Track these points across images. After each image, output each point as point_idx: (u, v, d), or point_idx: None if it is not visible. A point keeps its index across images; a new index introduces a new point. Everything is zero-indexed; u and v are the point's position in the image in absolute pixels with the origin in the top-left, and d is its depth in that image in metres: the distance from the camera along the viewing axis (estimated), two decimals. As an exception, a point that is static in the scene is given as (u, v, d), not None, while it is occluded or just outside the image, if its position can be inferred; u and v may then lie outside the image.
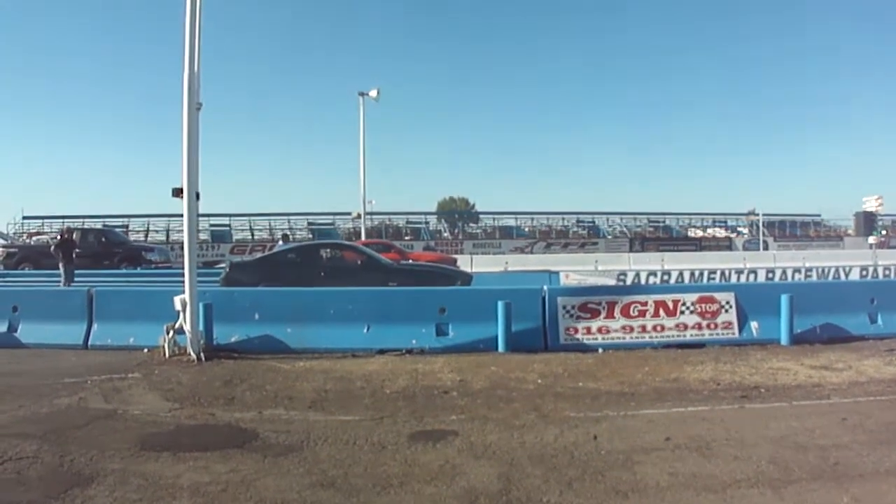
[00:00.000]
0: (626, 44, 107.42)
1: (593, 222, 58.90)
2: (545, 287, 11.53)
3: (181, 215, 10.38)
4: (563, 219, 58.89)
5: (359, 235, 42.15)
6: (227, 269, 16.51)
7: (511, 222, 57.74)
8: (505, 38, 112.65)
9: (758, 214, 54.98)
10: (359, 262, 16.56)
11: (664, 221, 60.56)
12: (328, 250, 17.95)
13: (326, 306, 11.06)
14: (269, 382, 8.72)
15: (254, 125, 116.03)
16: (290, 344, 10.74)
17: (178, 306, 10.16)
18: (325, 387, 8.47)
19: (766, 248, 49.51)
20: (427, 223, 56.67)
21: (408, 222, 55.85)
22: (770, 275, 24.81)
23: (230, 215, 52.42)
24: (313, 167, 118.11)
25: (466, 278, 17.05)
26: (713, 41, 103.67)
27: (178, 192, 9.82)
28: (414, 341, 10.76)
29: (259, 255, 20.63)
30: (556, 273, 22.21)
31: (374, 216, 53.74)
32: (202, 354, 10.09)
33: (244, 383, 8.68)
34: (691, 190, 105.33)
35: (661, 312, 11.17)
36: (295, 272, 16.03)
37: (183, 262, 10.46)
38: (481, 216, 63.90)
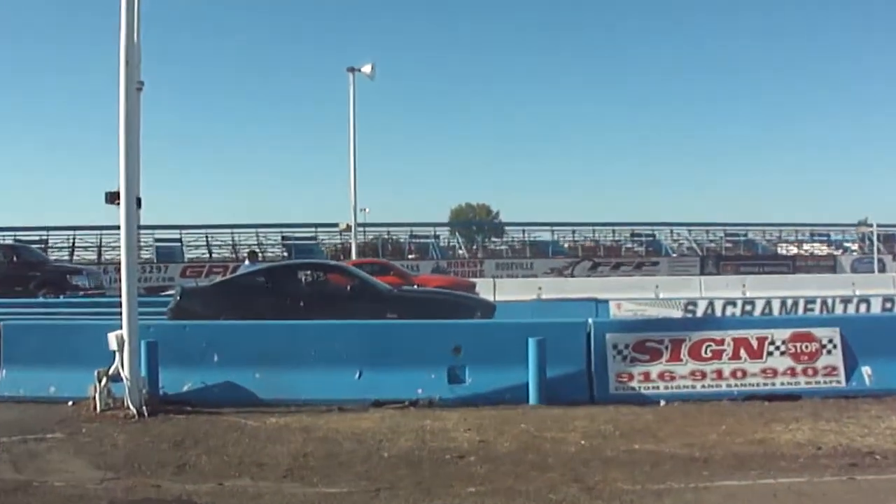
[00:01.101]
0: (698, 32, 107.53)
1: (653, 236, 59.26)
2: (590, 320, 11.64)
3: (117, 227, 10.54)
4: (614, 231, 59.34)
5: (348, 254, 42.08)
6: (178, 297, 16.91)
7: (546, 236, 58.21)
8: (542, 21, 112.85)
9: (871, 225, 54.62)
10: (348, 288, 17.06)
11: (746, 235, 60.40)
12: (308, 273, 18.43)
13: (306, 345, 11.28)
14: (231, 444, 8.82)
15: (213, 117, 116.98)
16: (260, 394, 10.90)
17: (113, 345, 10.31)
18: (304, 450, 8.59)
19: (882, 268, 49.05)
20: (437, 237, 57.22)
21: (412, 236, 56.28)
22: (888, 304, 24.62)
23: (181, 227, 53.12)
24: (291, 170, 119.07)
25: (488, 309, 17.49)
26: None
27: (113, 198, 9.94)
28: (420, 390, 10.92)
29: (219, 278, 20.98)
30: (605, 302, 22.45)
31: (368, 228, 53.51)
32: (145, 408, 10.21)
33: (200, 445, 8.77)
34: (782, 194, 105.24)
35: (743, 353, 11.24)
36: (265, 301, 16.50)
37: (119, 288, 10.62)
38: (507, 228, 64.24)
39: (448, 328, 12.07)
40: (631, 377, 11.10)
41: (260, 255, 34.90)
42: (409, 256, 51.87)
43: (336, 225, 46.05)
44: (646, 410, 10.40)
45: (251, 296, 16.84)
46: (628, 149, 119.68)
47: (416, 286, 22.71)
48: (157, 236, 51.40)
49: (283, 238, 54.00)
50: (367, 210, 67.10)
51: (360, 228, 47.20)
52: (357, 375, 11.13)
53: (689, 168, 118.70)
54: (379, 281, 18.45)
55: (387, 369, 11.08)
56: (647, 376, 11.12)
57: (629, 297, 24.64)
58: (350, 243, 41.63)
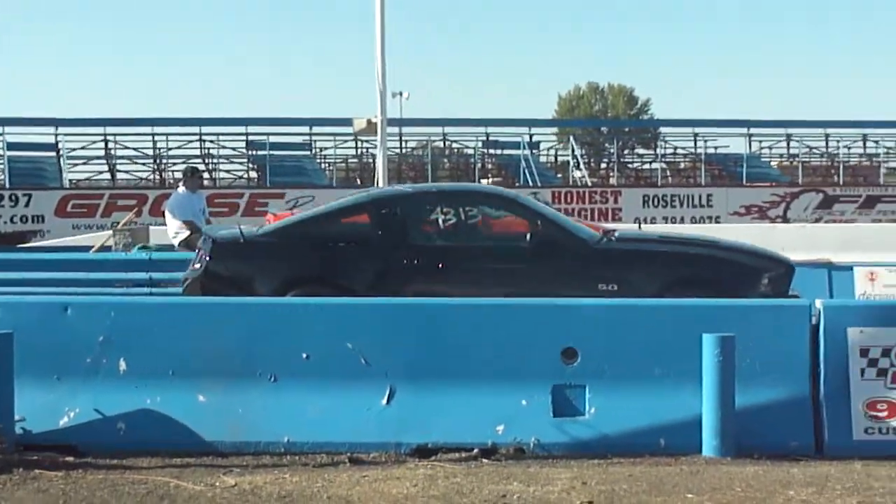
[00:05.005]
0: None
1: None
2: (819, 302, 10.52)
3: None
4: (865, 139, 52.79)
5: (370, 176, 37.55)
6: (208, 258, 15.18)
7: (736, 146, 52.55)
8: None
9: None
10: (528, 238, 15.00)
11: None
12: (453, 209, 16.55)
13: (293, 342, 10.36)
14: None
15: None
16: (206, 432, 10.11)
17: None
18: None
19: None
20: (535, 147, 51.60)
21: (489, 144, 50.94)
22: None
23: (57, 123, 46.93)
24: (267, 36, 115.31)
25: (783, 272, 15.32)
26: None
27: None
28: (501, 427, 10.11)
29: (281, 221, 18.35)
30: (846, 269, 20.36)
31: (409, 130, 49.18)
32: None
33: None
34: None
35: None
36: (373, 263, 15.07)
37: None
38: (664, 132, 58.71)
39: (552, 313, 10.82)
40: (894, 409, 9.95)
41: (205, 174, 30.96)
42: (483, 182, 46.58)
43: (348, 122, 39.51)
44: (926, 475, 9.82)
45: (348, 253, 15.12)
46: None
47: (643, 232, 21.12)
48: (10, 139, 45.37)
49: (249, 145, 48.03)
50: (407, 96, 59.56)
51: (394, 129, 41.38)
52: (385, 399, 10.18)
53: None
54: (577, 223, 16.92)
55: (440, 389, 10.16)
56: (925, 409, 10.60)
57: (893, 260, 21.73)
58: (374, 154, 38.34)
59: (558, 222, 15.52)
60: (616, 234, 16.38)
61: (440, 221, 16.28)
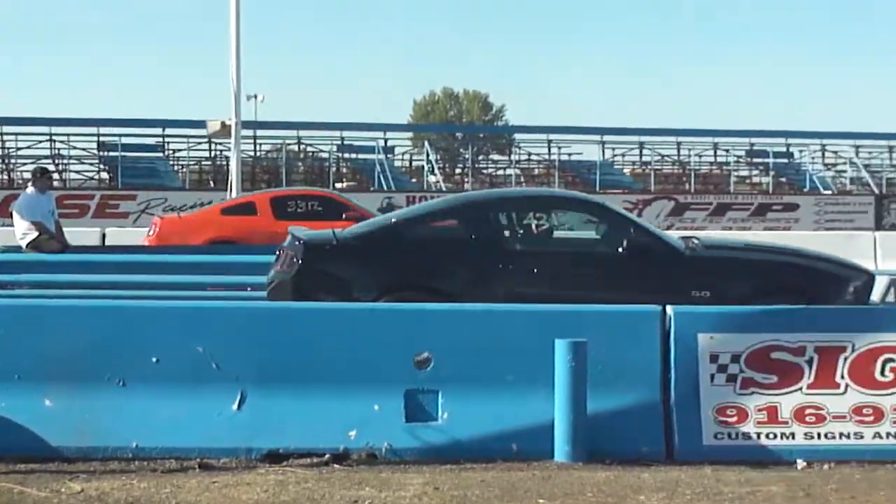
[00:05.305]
0: None
1: (790, 157, 54.10)
2: (670, 308, 10.58)
3: None
4: (716, 147, 53.88)
5: (224, 179, 36.96)
6: (300, 260, 14.77)
7: (590, 153, 53.20)
8: None
9: None
10: (624, 245, 15.01)
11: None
12: (543, 214, 16.74)
13: (142, 345, 10.15)
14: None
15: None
16: (52, 437, 9.81)
17: None
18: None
19: None
20: (390, 152, 51.99)
21: (343, 148, 51.08)
22: None
23: None
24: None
25: (865, 282, 15.53)
26: None
27: None
28: (353, 433, 10.04)
29: (370, 223, 18.17)
30: None
31: (264, 133, 49.30)
32: None
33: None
34: None
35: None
36: (464, 266, 14.98)
37: None
38: (519, 138, 58.74)
39: (405, 318, 10.88)
40: (743, 415, 10.08)
41: (55, 175, 30.37)
42: (338, 186, 47.23)
43: (202, 124, 39.44)
44: (770, 478, 9.34)
45: (443, 257, 15.00)
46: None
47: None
48: None
49: (101, 146, 47.61)
50: (262, 98, 59.25)
51: (249, 132, 41.02)
52: (236, 404, 10.03)
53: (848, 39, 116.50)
54: (664, 231, 17.44)
55: (292, 393, 10.04)
56: (773, 414, 10.07)
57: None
58: (227, 159, 38.49)
59: (650, 230, 15.77)
60: (697, 241, 16.34)
61: (533, 226, 16.32)
